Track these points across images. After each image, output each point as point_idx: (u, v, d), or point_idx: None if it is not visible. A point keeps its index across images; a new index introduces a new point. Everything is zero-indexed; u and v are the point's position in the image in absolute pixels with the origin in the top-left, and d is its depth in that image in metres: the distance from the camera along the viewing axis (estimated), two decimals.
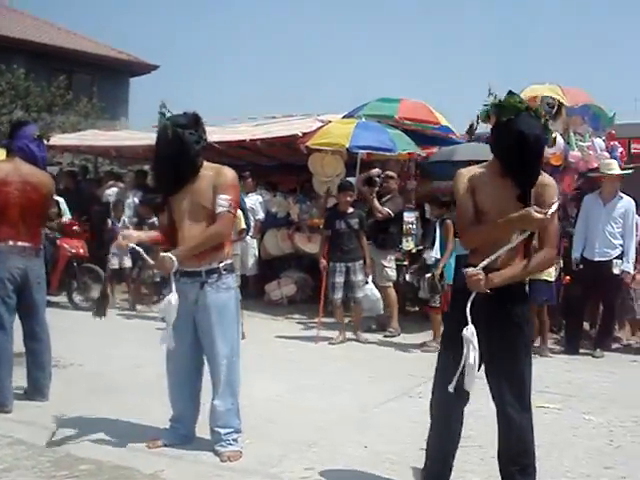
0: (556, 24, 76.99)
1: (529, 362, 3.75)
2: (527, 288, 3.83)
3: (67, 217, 10.58)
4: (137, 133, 14.49)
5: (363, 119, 10.49)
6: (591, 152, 9.58)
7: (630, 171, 8.72)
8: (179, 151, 4.43)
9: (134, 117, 26.92)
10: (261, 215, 11.09)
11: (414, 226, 9.94)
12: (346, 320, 9.04)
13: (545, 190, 3.66)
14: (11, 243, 5.37)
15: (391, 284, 9.11)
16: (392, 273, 9.19)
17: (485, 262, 3.60)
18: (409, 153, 10.19)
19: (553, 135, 3.83)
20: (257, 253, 11.16)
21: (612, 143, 10.04)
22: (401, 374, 7.04)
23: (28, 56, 23.09)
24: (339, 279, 8.59)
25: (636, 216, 8.45)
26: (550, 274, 7.90)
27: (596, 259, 8.24)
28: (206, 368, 4.74)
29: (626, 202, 8.29)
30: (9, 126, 5.93)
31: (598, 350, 8.33)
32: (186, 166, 4.47)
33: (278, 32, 78.95)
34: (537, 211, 3.47)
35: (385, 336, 9.06)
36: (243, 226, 8.50)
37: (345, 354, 8.12)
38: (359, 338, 8.78)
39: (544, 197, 3.63)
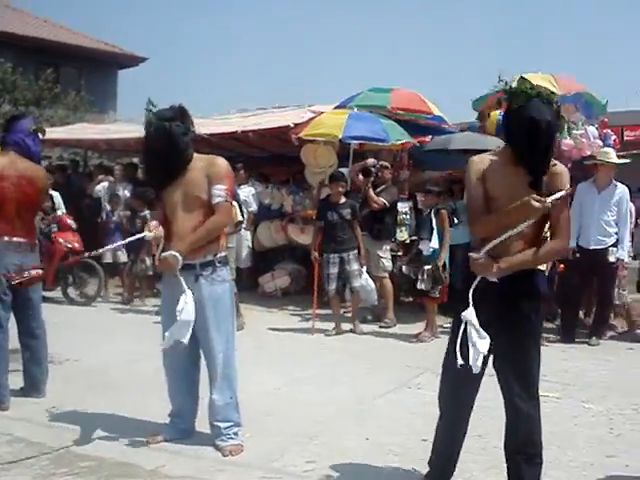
0: (546, 14, 77.12)
1: (538, 352, 3.74)
2: (536, 279, 3.76)
3: (62, 211, 10.51)
4: (126, 126, 14.43)
5: (355, 109, 10.45)
6: (584, 140, 9.58)
7: (628, 160, 8.68)
8: (167, 144, 4.40)
9: (123, 110, 26.75)
10: (254, 207, 11.03)
11: (407, 216, 9.95)
12: (341, 311, 9.03)
13: (556, 178, 3.61)
14: (7, 239, 5.29)
15: (387, 275, 9.09)
16: (388, 264, 9.17)
17: (488, 246, 3.57)
18: (402, 143, 10.13)
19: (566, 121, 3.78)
20: (250, 245, 11.10)
21: (605, 131, 10.05)
22: (398, 365, 7.03)
23: (14, 50, 22.94)
24: (333, 270, 8.56)
25: (630, 203, 8.45)
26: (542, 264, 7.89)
27: (591, 247, 8.24)
28: (203, 362, 4.70)
29: (620, 190, 8.28)
30: (4, 120, 5.85)
31: (594, 338, 8.35)
32: (176, 158, 4.44)
33: (269, 23, 78.84)
34: (536, 200, 3.44)
35: (381, 327, 9.04)
36: (239, 218, 8.46)
37: (341, 346, 8.10)
38: (356, 329, 8.76)
39: (555, 185, 3.59)
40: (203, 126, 9.01)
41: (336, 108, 11.20)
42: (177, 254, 4.31)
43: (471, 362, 3.55)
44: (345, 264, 8.54)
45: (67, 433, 4.75)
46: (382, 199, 9.14)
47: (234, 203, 8.57)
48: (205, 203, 4.43)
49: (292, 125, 10.56)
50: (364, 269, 8.61)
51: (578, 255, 8.31)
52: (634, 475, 4.30)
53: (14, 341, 5.55)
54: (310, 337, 8.52)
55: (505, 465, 3.86)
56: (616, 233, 8.21)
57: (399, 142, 10.02)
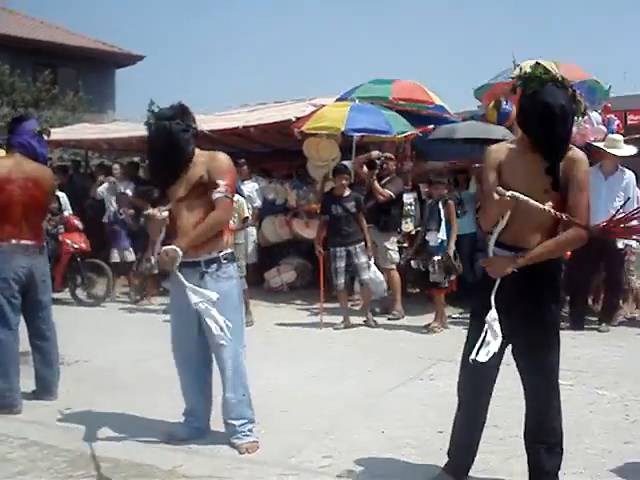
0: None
1: (557, 342, 3.72)
2: (555, 268, 3.73)
3: (68, 212, 10.48)
4: (125, 124, 14.39)
5: (357, 102, 10.41)
6: (587, 126, 9.52)
7: (635, 151, 8.56)
8: (168, 143, 4.40)
9: (121, 109, 26.71)
10: (258, 202, 10.99)
11: (412, 207, 9.92)
12: (349, 304, 9.00)
13: (574, 165, 3.57)
14: (14, 242, 5.27)
15: (394, 266, 9.05)
16: (395, 255, 9.13)
17: (490, 246, 3.55)
18: (406, 136, 10.11)
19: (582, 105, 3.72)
20: (255, 240, 11.07)
21: (608, 116, 9.98)
22: (409, 357, 7.01)
23: (11, 52, 22.92)
24: (341, 264, 8.52)
25: (637, 189, 8.40)
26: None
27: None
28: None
29: (627, 175, 8.23)
30: (9, 121, 5.81)
31: (604, 324, 8.32)
32: (177, 156, 4.43)
33: (266, 18, 78.62)
34: (498, 192, 3.44)
35: (389, 319, 9.01)
36: (247, 214, 8.43)
37: (351, 339, 8.07)
38: (370, 322, 8.70)
39: (574, 172, 3.55)
40: (204, 122, 8.96)
41: (337, 101, 11.16)
42: (177, 248, 4.28)
43: (478, 356, 3.54)
44: (352, 257, 8.50)
45: (81, 435, 4.73)
46: (388, 191, 9.09)
47: (241, 199, 8.64)
48: (207, 199, 4.40)
49: (294, 119, 10.52)
50: (372, 261, 8.57)
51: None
52: None
53: (25, 344, 5.53)
54: (319, 331, 8.49)
55: (524, 455, 3.85)
56: None
57: (403, 135, 9.98)
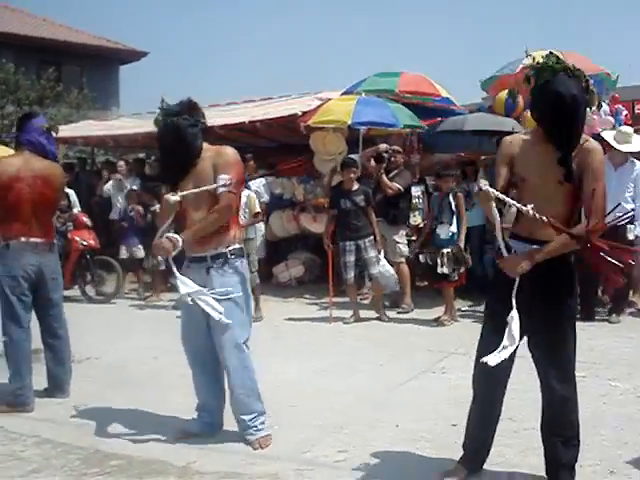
0: None
1: (573, 334, 3.69)
2: (570, 260, 3.70)
3: (77, 209, 10.48)
4: (131, 121, 14.39)
5: (363, 95, 10.38)
6: (595, 117, 9.47)
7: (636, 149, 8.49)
8: (176, 139, 4.41)
9: (125, 105, 26.73)
10: (266, 197, 10.97)
11: (420, 200, 9.88)
12: (358, 298, 8.98)
13: (589, 154, 3.55)
14: (23, 239, 5.25)
15: (404, 260, 9.01)
16: (405, 249, 9.08)
17: (499, 238, 3.53)
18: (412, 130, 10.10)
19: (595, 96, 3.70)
20: (263, 235, 11.04)
21: (616, 106, 9.93)
22: (420, 350, 6.99)
23: (15, 50, 22.93)
24: (350, 258, 8.48)
25: None
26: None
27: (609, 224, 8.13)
28: None
29: (637, 166, 8.19)
30: (19, 117, 5.79)
31: (614, 315, 8.29)
32: (185, 151, 4.42)
33: (272, 15, 78.55)
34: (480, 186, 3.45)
35: (398, 312, 8.99)
36: (258, 209, 8.40)
37: (360, 333, 8.05)
38: (382, 317, 8.67)
39: (589, 161, 3.53)
40: (209, 117, 8.95)
41: (343, 94, 11.13)
42: (176, 236, 4.29)
43: (489, 358, 3.53)
44: (362, 251, 8.46)
45: (93, 432, 4.74)
46: (396, 184, 9.05)
47: (252, 194, 8.62)
48: (213, 194, 4.38)
49: (300, 113, 10.49)
50: (382, 255, 8.54)
51: None
52: None
53: (36, 341, 5.52)
54: (328, 326, 8.47)
55: (539, 447, 3.85)
56: (633, 210, 8.11)
57: (409, 128, 9.96)
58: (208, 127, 4.62)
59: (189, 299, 4.34)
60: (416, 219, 9.82)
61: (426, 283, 10.08)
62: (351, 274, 8.54)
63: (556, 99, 3.46)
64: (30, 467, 4.17)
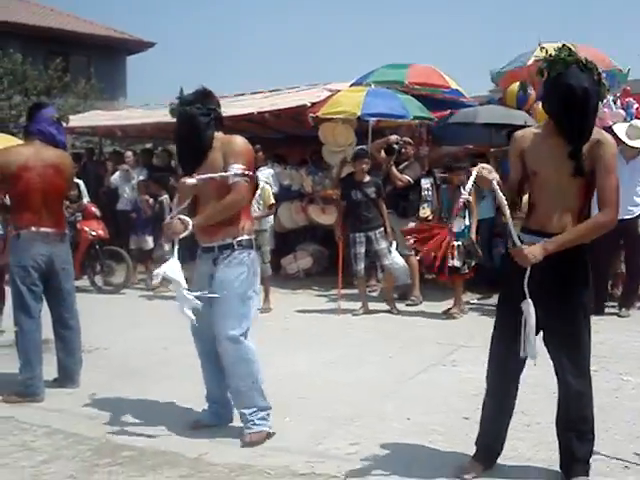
0: None
1: (588, 328, 3.68)
2: (583, 252, 3.68)
3: (86, 199, 10.46)
4: (139, 111, 14.37)
5: (372, 86, 10.35)
6: (606, 110, 9.41)
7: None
8: (189, 127, 4.40)
9: (133, 96, 26.73)
10: (274, 188, 10.93)
11: (430, 192, 9.83)
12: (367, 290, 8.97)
13: (601, 147, 3.52)
14: (34, 229, 5.24)
15: (413, 252, 8.98)
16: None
17: (511, 228, 3.50)
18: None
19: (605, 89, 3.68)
20: (272, 227, 11.02)
21: (627, 99, 9.85)
22: (429, 343, 6.97)
23: (22, 40, 22.93)
24: (360, 249, 8.45)
25: None
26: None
27: (620, 217, 8.08)
28: None
29: None
30: (29, 107, 5.78)
31: (624, 309, 8.25)
32: (197, 141, 4.39)
33: (280, 6, 78.34)
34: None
35: (407, 305, 8.97)
36: (272, 201, 8.38)
37: (370, 325, 8.04)
38: (392, 309, 8.64)
39: (601, 154, 3.51)
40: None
41: (352, 86, 11.09)
42: (187, 219, 4.26)
43: (527, 352, 3.53)
44: (372, 243, 8.43)
45: (104, 423, 4.73)
46: (406, 176, 9.02)
47: (267, 186, 8.59)
48: (224, 183, 4.34)
49: (309, 104, 10.45)
50: (393, 247, 8.51)
51: None
52: None
53: (46, 331, 5.51)
54: (336, 317, 8.45)
55: (552, 441, 3.84)
56: None
57: (419, 120, 9.93)
58: (222, 116, 4.58)
59: (159, 278, 4.40)
60: (425, 211, 9.77)
61: (434, 275, 10.05)
62: (361, 266, 8.51)
63: (568, 92, 3.45)
64: (41, 457, 4.16)
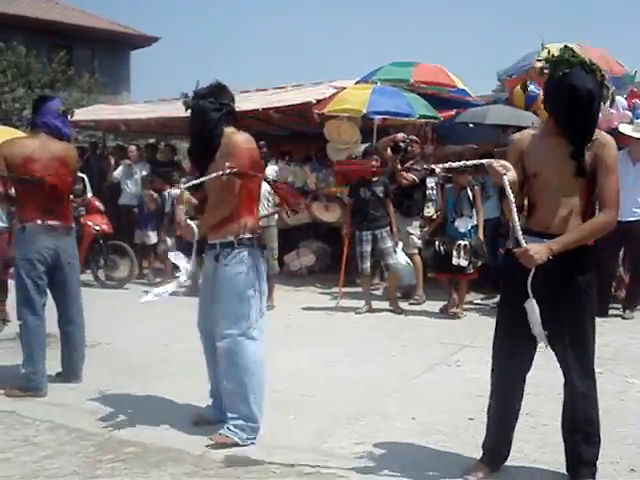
0: None
1: (594, 329, 3.66)
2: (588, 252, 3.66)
3: (90, 194, 10.44)
4: (144, 106, 14.35)
5: (378, 84, 10.32)
6: (613, 111, 9.38)
7: None
8: (201, 122, 4.38)
9: (136, 91, 26.70)
10: None
11: (434, 191, 9.81)
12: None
13: (603, 148, 3.52)
14: (39, 222, 5.22)
15: (417, 251, 8.97)
16: (418, 240, 9.04)
17: (517, 228, 3.47)
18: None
19: (611, 91, 3.67)
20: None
21: (634, 101, 9.82)
22: (433, 342, 6.95)
23: (26, 33, 22.90)
24: (366, 248, 8.43)
25: None
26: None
27: (624, 219, 8.06)
28: None
29: None
30: (35, 99, 5.75)
31: (627, 311, 8.23)
32: (206, 135, 4.36)
33: (285, 3, 78.15)
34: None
35: (410, 304, 8.95)
36: None
37: (373, 323, 8.02)
38: (396, 309, 8.60)
39: (602, 155, 3.51)
40: None
41: (358, 83, 11.06)
42: (193, 225, 4.35)
43: (538, 339, 3.50)
44: (378, 242, 8.42)
45: (106, 418, 4.71)
46: (411, 175, 8.99)
47: (271, 182, 8.54)
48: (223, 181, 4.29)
49: (314, 101, 10.43)
50: (399, 246, 8.49)
51: None
52: None
53: (49, 325, 5.48)
54: (340, 315, 8.43)
55: (557, 443, 3.83)
56: None
57: (424, 119, 9.90)
58: (235, 111, 4.54)
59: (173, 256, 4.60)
60: (429, 210, 9.75)
61: (433, 275, 10.01)
62: (367, 264, 8.50)
63: (572, 93, 3.43)
64: (44, 452, 4.14)
